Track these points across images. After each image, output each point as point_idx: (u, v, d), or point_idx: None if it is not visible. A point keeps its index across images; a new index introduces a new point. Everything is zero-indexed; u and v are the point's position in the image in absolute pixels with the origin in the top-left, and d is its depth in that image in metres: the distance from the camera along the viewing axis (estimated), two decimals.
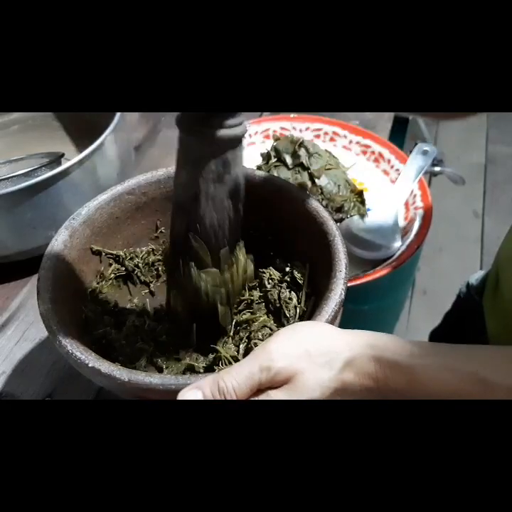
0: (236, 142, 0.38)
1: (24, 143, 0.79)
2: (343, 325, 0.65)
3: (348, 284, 0.62)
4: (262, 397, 0.34)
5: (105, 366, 0.36)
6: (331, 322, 0.40)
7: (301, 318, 0.46)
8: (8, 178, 0.66)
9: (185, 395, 0.33)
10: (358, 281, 0.65)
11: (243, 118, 0.38)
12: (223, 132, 0.37)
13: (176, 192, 0.41)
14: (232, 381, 0.33)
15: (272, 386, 0.34)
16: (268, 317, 0.47)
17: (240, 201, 0.41)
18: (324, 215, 0.46)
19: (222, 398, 0.33)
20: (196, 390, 0.33)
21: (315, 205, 0.48)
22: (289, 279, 0.49)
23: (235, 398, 0.33)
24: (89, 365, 0.37)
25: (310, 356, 0.35)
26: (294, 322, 0.46)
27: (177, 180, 0.40)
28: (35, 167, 0.67)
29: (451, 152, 1.93)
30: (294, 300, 0.47)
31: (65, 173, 0.61)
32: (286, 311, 0.47)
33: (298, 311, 0.47)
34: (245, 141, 0.38)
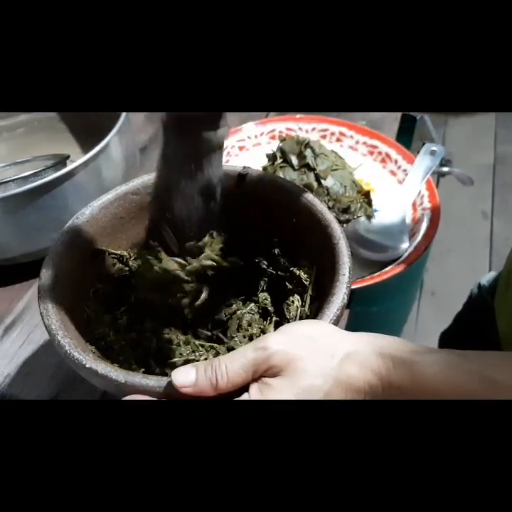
0: (218, 146, 0.40)
1: (29, 145, 0.79)
2: (350, 327, 0.64)
3: (356, 286, 0.62)
4: (257, 385, 0.34)
5: (102, 367, 0.36)
6: None
7: None
8: (13, 180, 0.65)
9: (178, 371, 0.34)
10: (365, 283, 0.64)
11: (226, 122, 0.39)
12: (209, 135, 0.39)
13: (155, 182, 0.43)
14: (226, 360, 0.34)
15: (269, 373, 0.34)
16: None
17: (213, 199, 0.42)
18: (329, 217, 0.46)
19: (214, 375, 0.33)
20: (191, 366, 0.34)
21: (320, 207, 0.47)
22: (295, 281, 0.48)
23: (226, 376, 0.33)
24: (87, 365, 0.36)
25: (310, 345, 0.35)
26: None
27: (157, 172, 0.42)
28: (40, 169, 0.67)
29: (460, 152, 1.92)
30: (296, 302, 0.46)
31: (70, 174, 0.60)
32: (287, 313, 0.46)
33: (299, 312, 0.46)
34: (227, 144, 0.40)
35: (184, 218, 0.42)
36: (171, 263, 0.43)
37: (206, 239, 0.44)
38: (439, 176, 1.38)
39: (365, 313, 0.85)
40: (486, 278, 0.70)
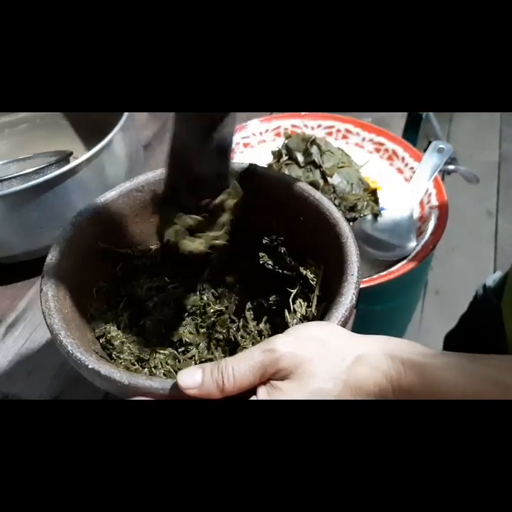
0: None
1: (32, 141, 0.78)
2: (354, 326, 0.63)
3: (362, 286, 0.61)
4: (265, 388, 0.33)
5: (105, 368, 0.35)
6: None
7: None
8: (15, 177, 0.65)
9: (185, 373, 0.33)
10: (372, 283, 0.63)
11: None
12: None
13: (171, 142, 0.42)
14: (233, 361, 0.33)
15: (278, 376, 0.33)
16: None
17: (226, 157, 0.42)
18: (337, 215, 0.45)
19: (220, 377, 0.33)
20: (198, 368, 0.34)
21: (327, 204, 0.46)
22: (301, 281, 0.47)
23: (232, 378, 0.33)
24: (89, 366, 0.36)
25: (319, 348, 0.34)
26: None
27: (173, 132, 0.41)
28: (43, 166, 0.66)
29: (464, 150, 1.91)
30: (302, 308, 0.45)
31: (72, 171, 0.60)
32: (293, 313, 0.45)
33: (306, 312, 0.45)
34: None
35: (201, 176, 0.41)
36: (189, 219, 0.42)
37: (223, 196, 0.43)
38: (444, 173, 1.37)
39: (370, 312, 0.84)
40: (492, 278, 0.70)
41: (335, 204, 0.68)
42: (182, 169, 0.42)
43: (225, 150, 0.41)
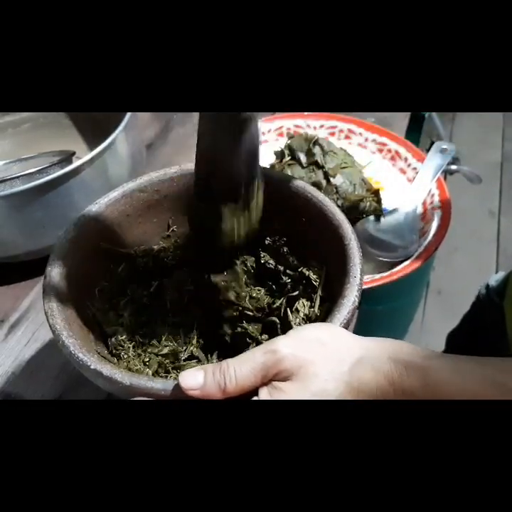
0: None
1: (35, 141, 0.78)
2: (356, 325, 0.63)
3: (364, 286, 0.61)
4: (267, 388, 0.33)
5: (107, 369, 0.35)
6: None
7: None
8: (18, 177, 0.65)
9: (186, 373, 0.34)
10: (374, 284, 0.63)
11: None
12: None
13: (198, 143, 0.42)
14: (234, 363, 0.33)
15: (279, 377, 0.33)
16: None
17: (255, 151, 0.42)
18: (340, 217, 0.45)
19: (222, 378, 0.33)
20: (199, 369, 0.34)
21: (330, 206, 0.46)
22: (304, 281, 0.47)
23: (234, 379, 0.33)
24: (91, 367, 0.36)
25: (321, 349, 0.34)
26: None
27: (200, 133, 0.41)
28: (46, 166, 0.66)
29: (467, 150, 1.90)
30: (305, 308, 0.45)
31: (75, 171, 0.60)
32: (296, 313, 0.45)
33: (308, 312, 0.45)
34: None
35: (237, 179, 0.41)
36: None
37: (255, 186, 0.43)
38: (447, 173, 1.37)
39: (372, 312, 0.84)
40: (494, 278, 0.69)
41: (338, 205, 0.68)
42: (218, 176, 0.41)
43: (254, 149, 0.41)
